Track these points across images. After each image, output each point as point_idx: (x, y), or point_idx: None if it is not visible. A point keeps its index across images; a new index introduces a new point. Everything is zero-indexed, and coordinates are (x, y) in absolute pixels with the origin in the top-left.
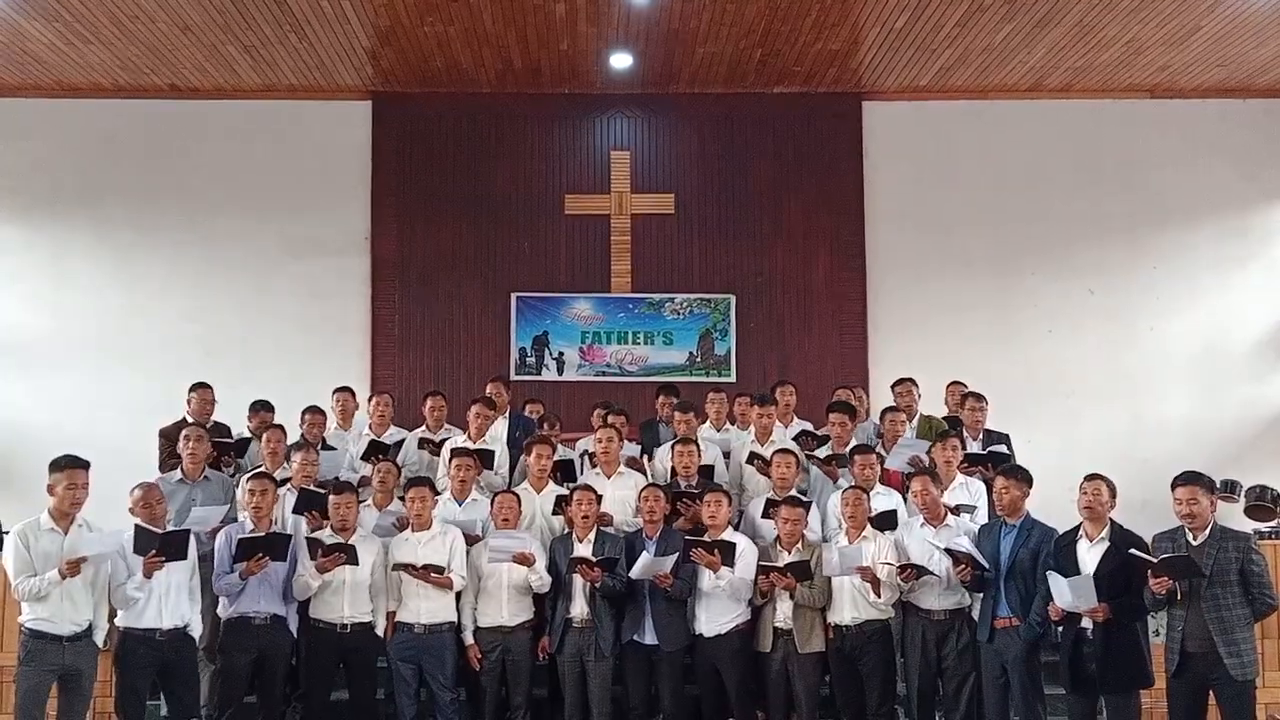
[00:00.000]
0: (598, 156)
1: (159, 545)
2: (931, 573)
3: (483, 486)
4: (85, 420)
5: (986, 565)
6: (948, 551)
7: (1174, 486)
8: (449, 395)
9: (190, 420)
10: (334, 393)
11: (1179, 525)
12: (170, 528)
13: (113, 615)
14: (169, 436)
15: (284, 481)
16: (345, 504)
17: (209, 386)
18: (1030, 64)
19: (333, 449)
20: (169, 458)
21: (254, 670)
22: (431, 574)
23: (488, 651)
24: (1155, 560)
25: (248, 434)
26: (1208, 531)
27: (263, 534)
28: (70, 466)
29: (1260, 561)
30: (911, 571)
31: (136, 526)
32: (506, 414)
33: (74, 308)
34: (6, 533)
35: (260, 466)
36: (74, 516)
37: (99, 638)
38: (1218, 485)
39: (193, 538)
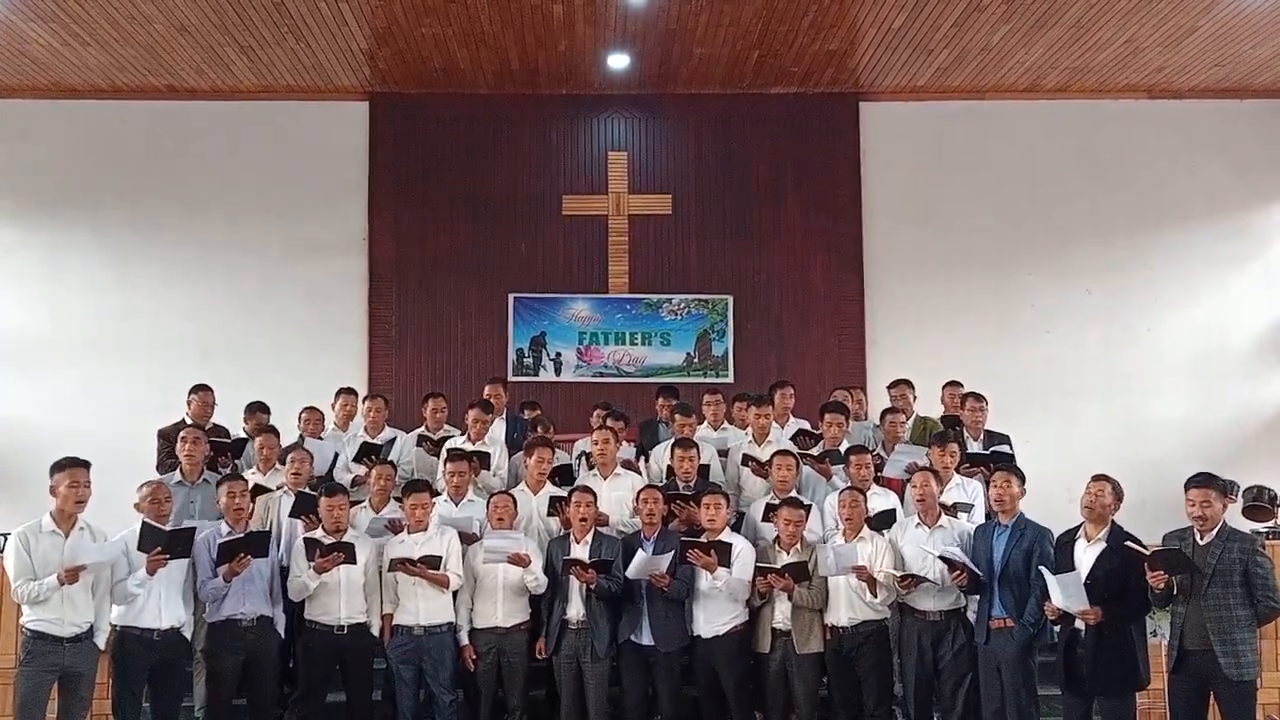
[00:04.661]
0: (595, 157)
1: (165, 543)
2: (929, 580)
3: (480, 488)
4: (83, 420)
5: (980, 571)
6: (942, 558)
7: (1187, 488)
8: (447, 396)
9: (189, 421)
10: (337, 394)
11: (1188, 525)
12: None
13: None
14: (167, 437)
15: (280, 486)
16: (338, 506)
17: (209, 389)
18: (1027, 64)
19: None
20: (167, 458)
21: (243, 673)
22: (428, 569)
23: (483, 653)
24: (1149, 553)
25: (244, 435)
26: (1215, 532)
27: (241, 534)
28: (71, 466)
29: (1265, 564)
30: (911, 581)
31: (143, 523)
32: (504, 415)
33: (71, 308)
34: (6, 535)
35: (253, 468)
36: (76, 518)
37: (100, 640)
38: None
39: None
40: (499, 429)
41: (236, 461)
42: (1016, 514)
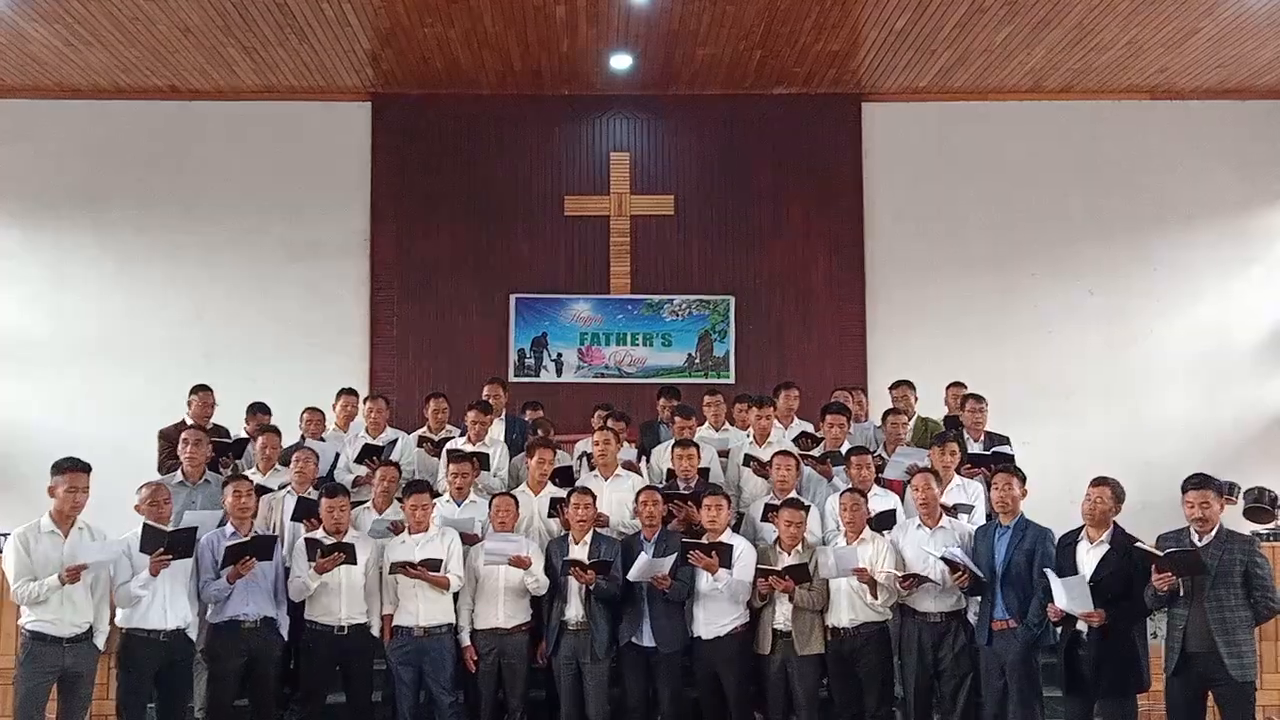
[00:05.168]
0: (597, 158)
1: (167, 543)
2: (931, 580)
3: (480, 489)
4: (85, 422)
5: (982, 574)
6: (944, 560)
7: (1185, 490)
8: (448, 397)
9: (190, 422)
10: (338, 394)
11: (1183, 527)
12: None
13: (113, 617)
14: (168, 438)
15: (283, 486)
16: (339, 507)
17: (210, 389)
18: (1030, 65)
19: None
20: (168, 459)
21: (245, 673)
22: (428, 571)
23: (484, 654)
24: (1161, 555)
25: (246, 435)
26: (1213, 533)
27: (247, 538)
28: (71, 469)
29: (1265, 565)
30: (913, 581)
31: (145, 525)
32: (503, 415)
33: (74, 309)
34: (6, 535)
35: (253, 468)
36: (74, 519)
37: (100, 640)
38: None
39: None
40: (498, 429)
41: (237, 462)
42: (1018, 515)
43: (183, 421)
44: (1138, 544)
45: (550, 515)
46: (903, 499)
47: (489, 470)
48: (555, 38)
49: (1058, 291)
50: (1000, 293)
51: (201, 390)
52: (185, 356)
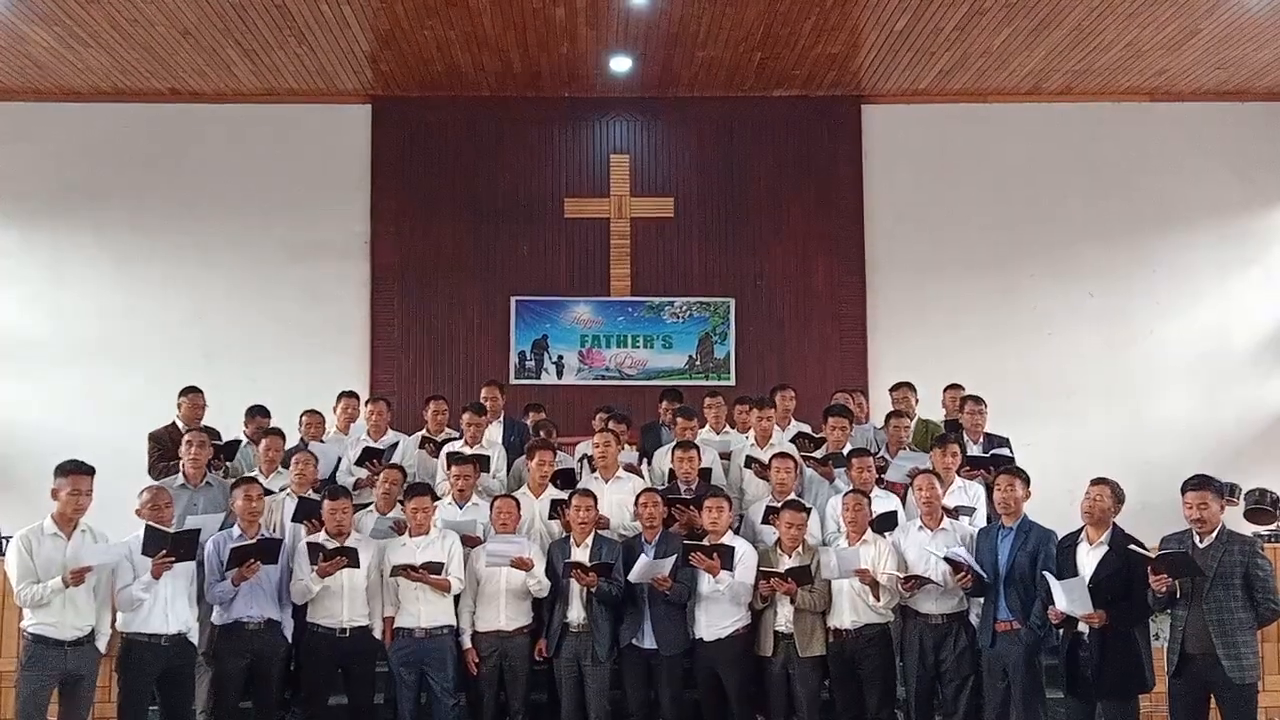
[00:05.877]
0: (597, 160)
1: (169, 546)
2: (933, 581)
3: (480, 491)
4: (84, 423)
5: (985, 575)
6: (946, 560)
7: (1184, 491)
8: (448, 399)
9: (182, 424)
10: (338, 397)
11: (1187, 528)
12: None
13: (114, 620)
14: (158, 440)
15: (283, 488)
16: (341, 509)
17: (199, 390)
18: (1029, 67)
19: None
20: (158, 461)
21: (248, 675)
22: (429, 574)
23: (485, 656)
24: (1153, 557)
25: (239, 437)
26: (1214, 535)
27: (253, 541)
28: (75, 472)
29: (1266, 566)
30: (914, 582)
31: (147, 526)
32: (501, 418)
33: (74, 310)
34: (7, 537)
35: (253, 471)
36: (77, 522)
37: (101, 643)
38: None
39: None
40: (496, 431)
41: (229, 464)
42: (1021, 516)
43: (173, 424)
44: (1131, 546)
45: (551, 517)
46: (904, 502)
47: (488, 472)
48: (555, 40)
49: (1058, 292)
50: (1000, 294)
51: (191, 392)
52: (185, 356)
